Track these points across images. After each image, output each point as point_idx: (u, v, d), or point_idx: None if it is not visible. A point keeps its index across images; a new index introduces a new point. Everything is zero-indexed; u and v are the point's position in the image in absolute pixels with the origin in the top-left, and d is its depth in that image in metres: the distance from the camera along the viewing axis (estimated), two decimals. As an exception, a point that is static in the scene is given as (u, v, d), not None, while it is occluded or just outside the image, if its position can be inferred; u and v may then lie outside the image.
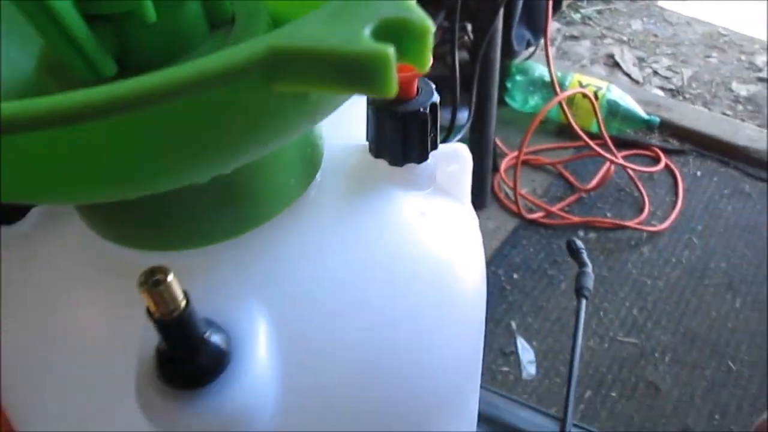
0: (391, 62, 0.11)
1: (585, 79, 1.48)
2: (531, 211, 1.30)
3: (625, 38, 2.21)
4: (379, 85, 0.11)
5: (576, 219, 1.29)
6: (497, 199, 1.33)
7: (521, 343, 1.10)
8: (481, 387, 0.31)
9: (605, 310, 1.15)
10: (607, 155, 1.34)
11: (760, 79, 1.92)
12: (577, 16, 2.28)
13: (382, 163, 0.23)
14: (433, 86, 0.22)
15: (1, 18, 0.20)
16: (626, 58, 2.07)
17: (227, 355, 0.18)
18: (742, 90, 1.86)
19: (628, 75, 1.96)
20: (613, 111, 1.44)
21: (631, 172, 1.37)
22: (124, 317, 0.21)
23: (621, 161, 1.36)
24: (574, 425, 0.64)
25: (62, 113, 0.11)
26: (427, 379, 0.23)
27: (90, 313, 0.21)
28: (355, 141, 0.24)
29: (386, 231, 0.23)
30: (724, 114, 1.70)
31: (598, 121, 1.36)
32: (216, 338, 0.18)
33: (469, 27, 1.28)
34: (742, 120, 1.66)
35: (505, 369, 1.07)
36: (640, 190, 1.35)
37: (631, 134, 1.48)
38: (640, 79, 1.94)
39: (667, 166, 1.42)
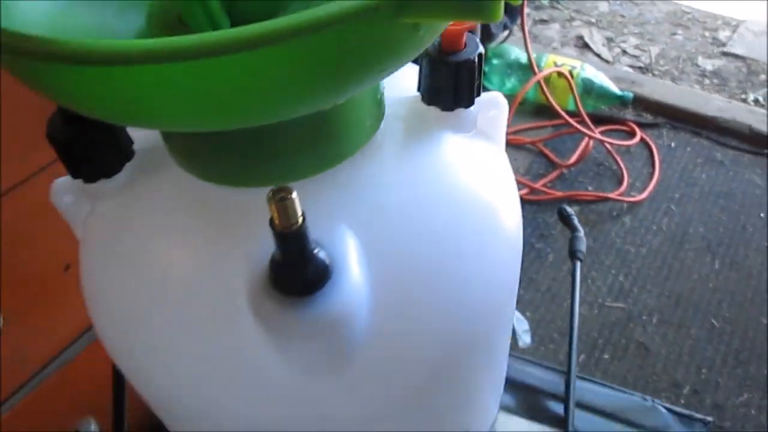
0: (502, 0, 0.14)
1: (560, 59, 1.53)
2: (516, 188, 1.34)
3: (593, 20, 2.26)
4: (490, 13, 0.15)
5: (559, 194, 1.34)
6: (482, 179, 1.36)
7: (515, 314, 1.14)
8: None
9: (593, 278, 1.20)
10: (586, 131, 1.39)
11: (725, 54, 1.98)
12: (545, 1, 2.33)
13: (434, 110, 0.26)
14: (478, 39, 0.25)
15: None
16: (595, 39, 2.12)
17: (329, 268, 0.21)
18: (708, 65, 1.93)
19: (598, 55, 2.02)
20: (588, 89, 1.49)
21: (608, 147, 1.42)
22: (219, 250, 0.23)
23: (598, 136, 1.40)
24: (578, 377, 0.68)
25: (237, 42, 0.14)
26: (476, 296, 0.27)
27: (188, 248, 0.24)
28: (403, 94, 0.27)
29: (440, 168, 0.26)
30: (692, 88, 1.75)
31: (574, 99, 1.41)
32: (321, 254, 0.21)
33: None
34: (710, 93, 1.73)
35: (502, 339, 1.11)
36: (618, 164, 1.40)
37: (606, 110, 1.53)
38: (610, 59, 1.99)
39: (642, 139, 1.47)
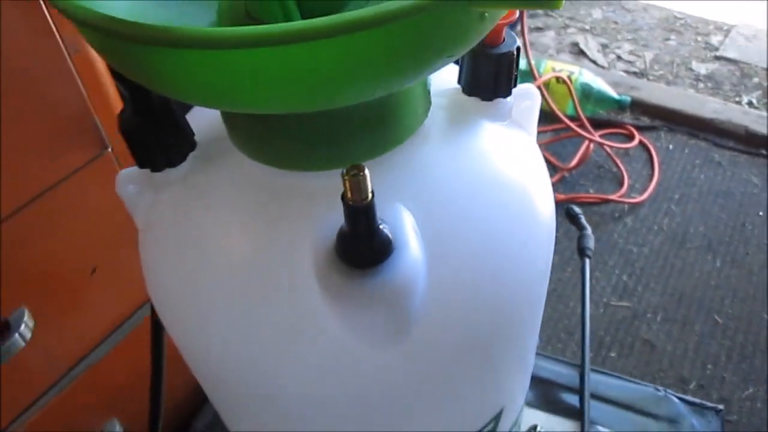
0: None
1: (558, 65, 1.55)
2: (519, 191, 1.36)
3: (587, 27, 2.30)
4: (554, 3, 0.16)
5: (561, 196, 1.36)
6: (485, 183, 1.38)
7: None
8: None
9: (597, 278, 1.22)
10: (585, 135, 1.41)
11: (717, 58, 2.02)
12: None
13: (474, 100, 0.28)
14: (514, 35, 0.27)
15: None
16: (590, 45, 2.15)
17: (392, 243, 0.23)
18: (702, 69, 1.96)
19: (593, 61, 2.05)
20: (587, 93, 1.51)
21: (608, 150, 1.45)
22: (282, 229, 0.25)
23: (598, 140, 1.43)
24: (591, 369, 0.69)
25: (345, 25, 0.16)
26: (516, 273, 0.28)
27: (251, 228, 0.26)
28: (442, 87, 0.29)
29: (481, 155, 0.28)
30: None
31: (574, 104, 1.43)
32: (385, 229, 0.22)
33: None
34: (705, 96, 1.76)
35: (510, 339, 1.13)
36: (618, 166, 1.43)
37: (605, 114, 1.56)
38: (605, 65, 2.02)
39: (641, 142, 1.49)
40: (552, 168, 1.43)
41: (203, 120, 0.28)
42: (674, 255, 1.26)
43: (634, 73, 1.95)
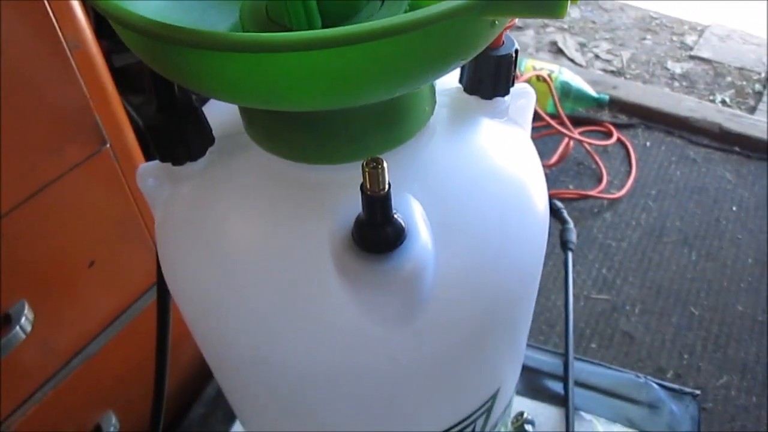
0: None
1: (538, 64, 1.58)
2: (501, 187, 1.39)
3: (565, 26, 2.34)
4: (558, 11, 0.18)
5: (542, 192, 1.38)
6: (468, 179, 1.41)
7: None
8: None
9: (578, 272, 1.25)
10: (565, 132, 1.44)
11: (692, 57, 2.07)
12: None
13: (475, 99, 0.30)
14: (513, 38, 0.29)
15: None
16: (569, 44, 2.19)
17: (405, 230, 0.25)
18: (677, 68, 2.01)
19: (572, 60, 2.08)
20: (566, 92, 1.55)
21: (587, 147, 1.48)
22: (299, 218, 0.27)
23: (578, 137, 1.46)
24: (575, 358, 0.72)
25: (373, 32, 0.17)
26: (514, 260, 0.31)
27: (269, 218, 0.27)
28: (444, 86, 0.31)
29: (481, 150, 0.30)
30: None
31: (554, 102, 1.46)
32: (399, 218, 0.24)
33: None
34: (680, 95, 1.80)
35: (493, 332, 1.15)
36: (597, 163, 1.46)
37: (584, 112, 1.59)
38: (584, 63, 2.06)
39: (619, 139, 1.53)
40: (533, 164, 1.46)
41: (218, 115, 0.30)
42: (652, 249, 1.30)
43: (612, 72, 1.99)
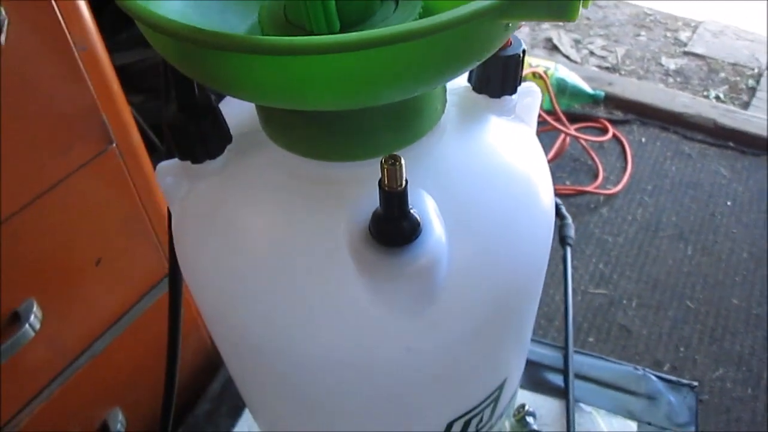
0: (579, 3, 0.19)
1: (534, 61, 1.60)
2: (498, 184, 1.40)
3: (560, 23, 2.34)
4: (570, 13, 0.19)
5: (539, 188, 1.40)
6: (466, 176, 1.42)
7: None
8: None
9: (575, 267, 1.27)
10: (562, 128, 1.46)
11: (686, 53, 2.08)
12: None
13: (483, 98, 0.31)
14: (520, 39, 0.30)
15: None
16: (564, 41, 2.20)
17: (420, 225, 0.25)
18: (671, 64, 2.02)
19: (567, 57, 2.10)
20: (562, 88, 1.56)
21: (583, 143, 1.49)
22: (316, 213, 0.28)
23: (574, 133, 1.47)
24: (574, 351, 0.73)
25: (401, 35, 0.18)
26: (521, 253, 0.32)
27: (286, 213, 0.28)
28: (453, 85, 0.32)
29: (490, 147, 0.31)
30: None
31: (550, 98, 1.47)
32: (414, 212, 0.25)
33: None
34: (675, 90, 1.82)
35: (492, 327, 1.17)
36: (593, 159, 1.48)
37: (579, 108, 1.61)
38: (578, 60, 2.08)
39: (614, 135, 1.55)
40: (530, 161, 1.47)
41: (235, 114, 0.31)
42: (648, 244, 1.31)
43: (607, 68, 2.01)
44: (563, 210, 0.86)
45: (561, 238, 0.82)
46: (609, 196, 1.40)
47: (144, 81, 1.03)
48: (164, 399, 0.51)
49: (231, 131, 0.30)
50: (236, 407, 0.71)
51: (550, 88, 1.47)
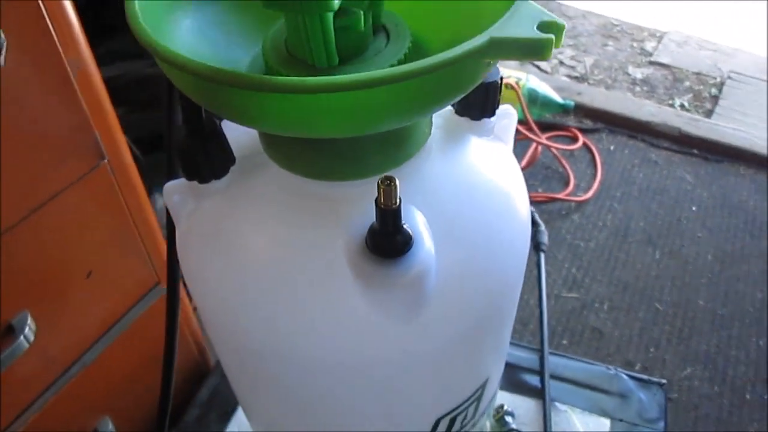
0: (552, 44, 0.22)
1: (506, 72, 1.64)
2: (474, 192, 1.44)
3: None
4: (544, 53, 0.22)
5: (513, 196, 1.44)
6: (442, 185, 1.46)
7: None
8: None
9: (548, 272, 1.31)
10: (533, 137, 1.50)
11: (652, 63, 2.15)
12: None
13: (465, 120, 0.34)
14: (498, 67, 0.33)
15: (227, 29, 0.29)
16: (534, 51, 2.25)
17: (412, 238, 0.28)
18: (638, 73, 2.09)
19: (537, 67, 2.15)
20: (533, 98, 1.60)
21: (555, 151, 1.54)
22: (315, 228, 0.31)
23: (545, 142, 1.52)
24: (549, 353, 0.77)
25: (398, 75, 0.21)
26: (502, 262, 0.34)
27: (287, 228, 0.31)
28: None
29: (472, 165, 0.34)
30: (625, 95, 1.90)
31: (522, 108, 1.52)
32: (407, 227, 0.28)
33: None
34: (642, 99, 1.88)
35: (470, 331, 1.20)
36: (564, 166, 1.52)
37: (550, 118, 1.65)
38: (549, 70, 2.13)
39: (584, 143, 1.59)
40: (503, 169, 1.51)
41: (236, 137, 0.33)
42: (618, 248, 1.36)
43: (576, 78, 2.06)
44: (537, 217, 0.90)
45: (535, 245, 0.85)
46: (580, 203, 1.45)
47: (123, 95, 1.04)
48: (160, 407, 0.53)
49: (234, 153, 0.33)
50: (225, 412, 0.73)
51: (522, 99, 1.51)
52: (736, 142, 1.57)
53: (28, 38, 0.50)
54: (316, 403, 0.35)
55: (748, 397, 1.11)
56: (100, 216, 0.63)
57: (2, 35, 0.47)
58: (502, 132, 0.36)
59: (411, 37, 0.29)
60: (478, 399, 0.40)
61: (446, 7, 0.29)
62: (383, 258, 0.28)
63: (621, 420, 0.70)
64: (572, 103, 1.64)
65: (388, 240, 0.28)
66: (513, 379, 0.74)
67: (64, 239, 0.60)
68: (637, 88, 1.99)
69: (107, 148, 0.60)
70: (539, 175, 1.52)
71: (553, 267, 1.31)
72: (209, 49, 0.29)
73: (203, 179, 0.31)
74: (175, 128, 0.35)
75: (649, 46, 2.26)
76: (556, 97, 1.62)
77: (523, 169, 1.51)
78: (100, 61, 0.61)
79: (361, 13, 0.26)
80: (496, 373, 0.43)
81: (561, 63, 2.19)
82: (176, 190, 0.33)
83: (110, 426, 0.71)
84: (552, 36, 0.22)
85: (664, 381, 0.74)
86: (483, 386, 0.39)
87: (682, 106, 1.86)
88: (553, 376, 0.74)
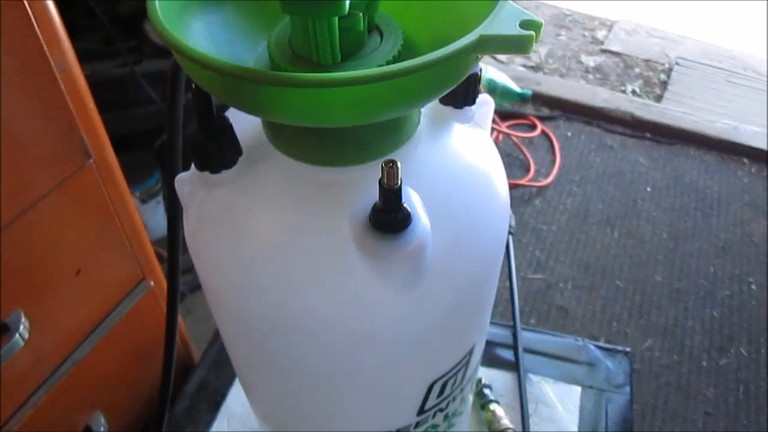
0: (533, 39, 0.26)
1: (465, 63, 1.68)
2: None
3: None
4: (526, 49, 0.26)
5: (477, 183, 1.48)
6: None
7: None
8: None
9: (514, 255, 1.36)
10: (494, 126, 1.55)
11: (603, 51, 2.22)
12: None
13: (449, 108, 0.38)
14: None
15: (231, 30, 0.32)
16: (490, 42, 2.31)
17: (410, 215, 0.32)
18: (590, 61, 2.16)
19: (494, 57, 2.20)
20: (492, 88, 1.65)
21: (515, 139, 1.59)
22: (319, 211, 0.34)
23: (505, 130, 1.57)
24: (522, 328, 0.81)
25: (401, 71, 0.24)
26: (486, 237, 0.38)
27: (294, 211, 0.34)
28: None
29: (456, 149, 0.37)
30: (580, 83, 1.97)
31: (483, 98, 1.56)
32: (406, 205, 0.31)
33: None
34: (595, 87, 1.95)
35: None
36: (524, 153, 1.58)
37: (510, 107, 1.71)
38: (505, 60, 2.19)
39: (543, 131, 1.65)
40: (467, 158, 1.56)
41: (240, 130, 0.36)
42: (579, 230, 1.42)
43: (531, 68, 2.12)
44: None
45: (503, 228, 0.89)
46: (541, 188, 1.50)
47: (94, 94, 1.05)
48: (160, 398, 0.55)
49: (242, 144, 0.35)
50: (214, 402, 0.76)
51: (482, 89, 1.56)
52: (686, 125, 1.65)
53: (15, 41, 0.51)
54: (319, 373, 0.38)
55: (704, 364, 1.18)
56: (87, 214, 0.64)
57: (-8, 40, 0.48)
58: (481, 119, 0.40)
59: (402, 34, 0.32)
60: (466, 365, 0.44)
61: (433, 8, 0.33)
62: (385, 233, 0.31)
63: (590, 387, 0.75)
64: (530, 92, 1.69)
65: (389, 217, 0.31)
66: (489, 355, 0.78)
67: (53, 238, 0.61)
68: (590, 76, 2.06)
69: (93, 148, 0.62)
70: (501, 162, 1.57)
71: (518, 250, 1.37)
72: (215, 49, 0.32)
73: (214, 170, 0.34)
74: (178, 125, 0.38)
75: (600, 34, 2.34)
76: (515, 87, 1.68)
77: (485, 158, 1.56)
78: (81, 59, 0.63)
79: (361, 15, 0.29)
80: (481, 341, 0.47)
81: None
82: (186, 181, 0.36)
83: (102, 421, 0.73)
84: (533, 32, 0.26)
85: (628, 349, 0.79)
86: (471, 351, 0.43)
87: (633, 92, 1.93)
88: (526, 350, 0.79)
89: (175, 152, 0.40)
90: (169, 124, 0.39)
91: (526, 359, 0.77)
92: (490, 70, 1.68)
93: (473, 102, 0.38)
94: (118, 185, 0.67)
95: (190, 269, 0.40)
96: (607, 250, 1.38)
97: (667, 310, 1.27)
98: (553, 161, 1.57)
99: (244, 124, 0.36)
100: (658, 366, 1.18)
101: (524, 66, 2.12)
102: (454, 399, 0.46)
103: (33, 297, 0.61)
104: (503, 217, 0.40)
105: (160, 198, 1.29)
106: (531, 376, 0.76)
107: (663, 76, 2.02)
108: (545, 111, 1.74)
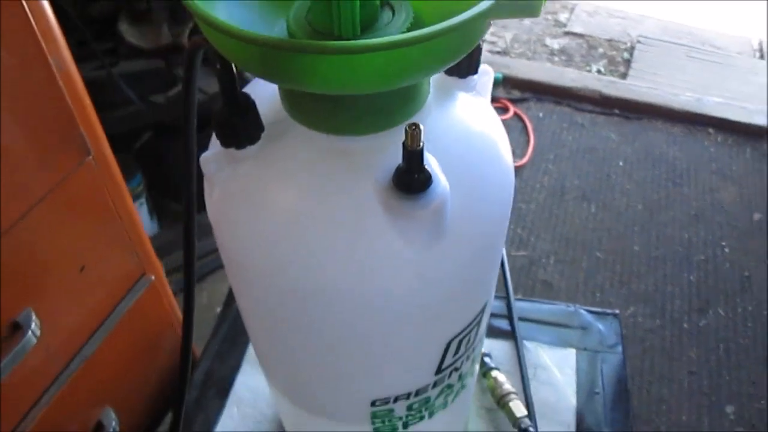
0: (543, 2, 0.28)
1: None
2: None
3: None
4: (536, 12, 0.28)
5: (456, 167, 1.51)
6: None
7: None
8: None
9: (497, 234, 1.39)
10: (469, 111, 1.58)
11: (567, 33, 2.27)
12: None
13: (453, 78, 0.40)
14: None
15: (250, 10, 0.34)
16: (456, 30, 2.33)
17: (431, 176, 0.34)
18: (555, 44, 2.20)
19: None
20: (464, 74, 1.68)
21: (489, 122, 1.62)
22: (341, 176, 0.36)
23: (480, 114, 1.60)
24: (515, 299, 0.84)
25: (427, 35, 0.26)
26: (496, 197, 0.40)
27: (317, 178, 0.36)
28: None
29: (462, 116, 0.40)
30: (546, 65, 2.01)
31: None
32: (427, 167, 0.33)
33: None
34: (562, 68, 1.99)
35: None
36: (499, 136, 1.61)
37: (481, 92, 1.74)
38: (472, 47, 2.21)
39: (515, 113, 1.69)
40: (443, 143, 1.59)
41: (258, 105, 0.38)
42: (557, 207, 1.46)
43: (498, 53, 2.16)
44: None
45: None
46: (518, 168, 1.54)
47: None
48: (179, 387, 0.56)
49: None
50: (222, 391, 0.77)
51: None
52: (651, 99, 1.70)
53: (16, 42, 0.52)
54: (344, 337, 0.40)
55: (685, 326, 1.23)
56: (89, 210, 0.65)
57: (-6, 40, 0.49)
58: (482, 87, 0.42)
59: (412, 6, 0.34)
60: (479, 323, 0.46)
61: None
62: (409, 194, 0.33)
63: (585, 349, 0.79)
64: (500, 76, 1.73)
65: (412, 178, 0.33)
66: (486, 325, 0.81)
67: (57, 235, 0.62)
68: (556, 58, 2.10)
69: (91, 144, 0.62)
70: (477, 146, 1.60)
71: (501, 230, 1.40)
72: (238, 19, 0.33)
73: (240, 145, 0.36)
74: (193, 107, 0.40)
75: (563, 17, 2.38)
76: (485, 72, 1.71)
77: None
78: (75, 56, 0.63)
79: (377, -10, 0.31)
80: (491, 299, 0.49)
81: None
82: (212, 159, 0.37)
83: (113, 416, 0.74)
84: (542, -4, 0.28)
85: (617, 311, 0.82)
86: (483, 310, 0.45)
87: (598, 71, 1.98)
88: (521, 318, 0.82)
89: (190, 134, 0.42)
90: (185, 105, 0.40)
91: (521, 327, 0.80)
92: (460, 56, 1.71)
93: (476, 71, 0.40)
94: (116, 180, 0.68)
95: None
96: (586, 224, 1.42)
97: (647, 277, 1.31)
98: (527, 142, 1.61)
99: (262, 101, 0.38)
100: (642, 331, 1.22)
101: (490, 51, 2.16)
102: (467, 358, 0.48)
103: (41, 295, 0.62)
104: (509, 178, 0.42)
105: (143, 200, 1.29)
106: (527, 343, 0.79)
107: (626, 55, 2.07)
108: (516, 93, 1.78)
